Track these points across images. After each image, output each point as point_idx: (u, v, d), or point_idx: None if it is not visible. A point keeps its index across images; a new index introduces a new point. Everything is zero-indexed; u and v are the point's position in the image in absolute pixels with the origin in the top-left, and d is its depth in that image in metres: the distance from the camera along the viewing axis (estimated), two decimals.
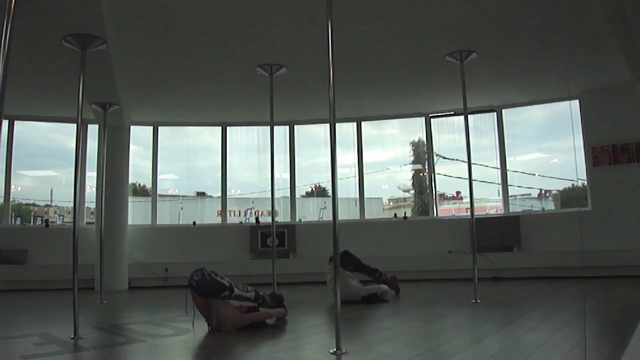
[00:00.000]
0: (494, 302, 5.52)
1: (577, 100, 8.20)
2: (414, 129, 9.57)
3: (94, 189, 8.45)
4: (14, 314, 5.66)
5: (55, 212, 9.88)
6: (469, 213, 6.10)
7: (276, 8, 5.24)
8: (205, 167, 10.09)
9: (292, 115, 9.10)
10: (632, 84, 7.08)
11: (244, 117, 9.17)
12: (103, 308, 6.11)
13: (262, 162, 9.59)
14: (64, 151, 9.46)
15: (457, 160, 9.15)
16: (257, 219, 9.27)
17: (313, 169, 10.03)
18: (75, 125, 4.68)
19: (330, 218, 3.59)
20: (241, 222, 9.55)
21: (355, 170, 9.44)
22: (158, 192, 9.40)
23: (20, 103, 7.92)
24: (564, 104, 8.50)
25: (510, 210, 8.70)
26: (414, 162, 9.85)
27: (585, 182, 8.21)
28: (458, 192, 9.63)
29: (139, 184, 9.68)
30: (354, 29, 5.61)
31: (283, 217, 9.41)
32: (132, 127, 8.93)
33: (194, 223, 9.25)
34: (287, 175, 9.53)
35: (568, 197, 8.99)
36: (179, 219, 9.71)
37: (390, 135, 9.88)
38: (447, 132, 9.29)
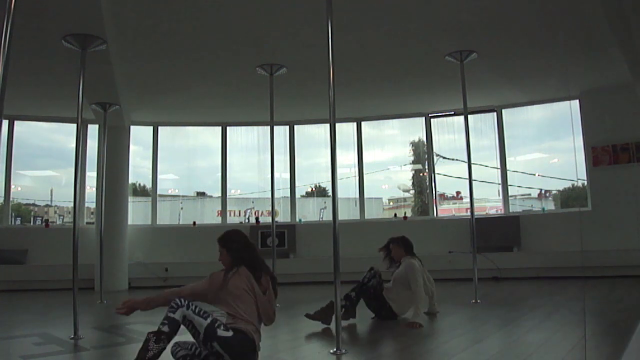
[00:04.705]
0: (494, 302, 5.52)
1: (577, 100, 8.20)
2: (414, 129, 9.57)
3: (94, 189, 8.45)
4: (14, 314, 5.66)
5: (55, 212, 9.88)
6: (469, 213, 6.10)
7: (276, 8, 5.23)
8: (205, 167, 10.09)
9: (292, 115, 9.10)
10: (632, 84, 7.08)
11: (244, 117, 9.17)
12: (103, 308, 6.11)
13: (262, 162, 9.58)
14: (64, 151, 9.46)
15: (457, 160, 9.15)
16: (257, 219, 9.26)
17: (313, 169, 10.03)
18: (75, 125, 4.68)
19: (330, 218, 3.59)
20: (241, 222, 9.54)
21: (355, 170, 9.44)
22: (158, 192, 9.39)
23: (20, 103, 7.92)
24: (564, 104, 8.50)
25: (510, 210, 8.70)
26: (414, 162, 9.85)
27: (585, 182, 8.20)
28: (458, 192, 9.62)
29: (139, 184, 9.68)
30: (354, 29, 5.60)
31: (283, 217, 9.40)
32: (132, 127, 8.92)
33: (194, 223, 9.24)
34: (287, 175, 9.52)
35: (568, 197, 8.99)
36: (179, 219, 9.71)
37: (390, 135, 9.88)
38: (447, 132, 9.29)
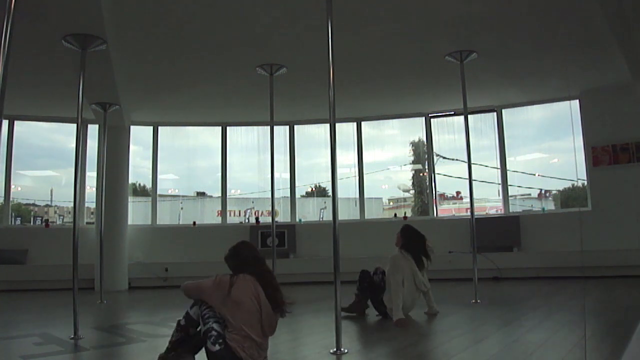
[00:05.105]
0: (494, 302, 5.52)
1: (577, 100, 8.20)
2: (414, 129, 9.57)
3: (94, 189, 8.45)
4: (14, 314, 5.66)
5: (55, 212, 9.88)
6: (469, 213, 6.10)
7: (276, 8, 5.23)
8: (205, 167, 10.09)
9: (292, 115, 9.09)
10: (632, 84, 7.08)
11: (244, 117, 9.17)
12: (103, 308, 6.11)
13: (262, 162, 9.58)
14: (64, 151, 9.46)
15: (457, 160, 9.15)
16: (257, 219, 9.26)
17: (313, 169, 10.03)
18: (75, 125, 4.69)
19: (330, 218, 3.59)
20: (241, 222, 9.55)
21: (355, 170, 9.44)
22: (158, 192, 9.39)
23: (20, 103, 7.92)
24: (564, 104, 8.50)
25: (510, 210, 8.70)
26: (414, 162, 9.85)
27: (585, 182, 8.20)
28: (458, 192, 9.62)
29: (139, 184, 9.68)
30: (354, 29, 5.60)
31: (283, 217, 9.40)
32: (132, 127, 8.92)
33: (194, 223, 9.24)
34: (287, 175, 9.52)
35: (568, 197, 8.99)
36: (179, 219, 9.71)
37: (390, 135, 9.88)
38: (447, 132, 9.29)
